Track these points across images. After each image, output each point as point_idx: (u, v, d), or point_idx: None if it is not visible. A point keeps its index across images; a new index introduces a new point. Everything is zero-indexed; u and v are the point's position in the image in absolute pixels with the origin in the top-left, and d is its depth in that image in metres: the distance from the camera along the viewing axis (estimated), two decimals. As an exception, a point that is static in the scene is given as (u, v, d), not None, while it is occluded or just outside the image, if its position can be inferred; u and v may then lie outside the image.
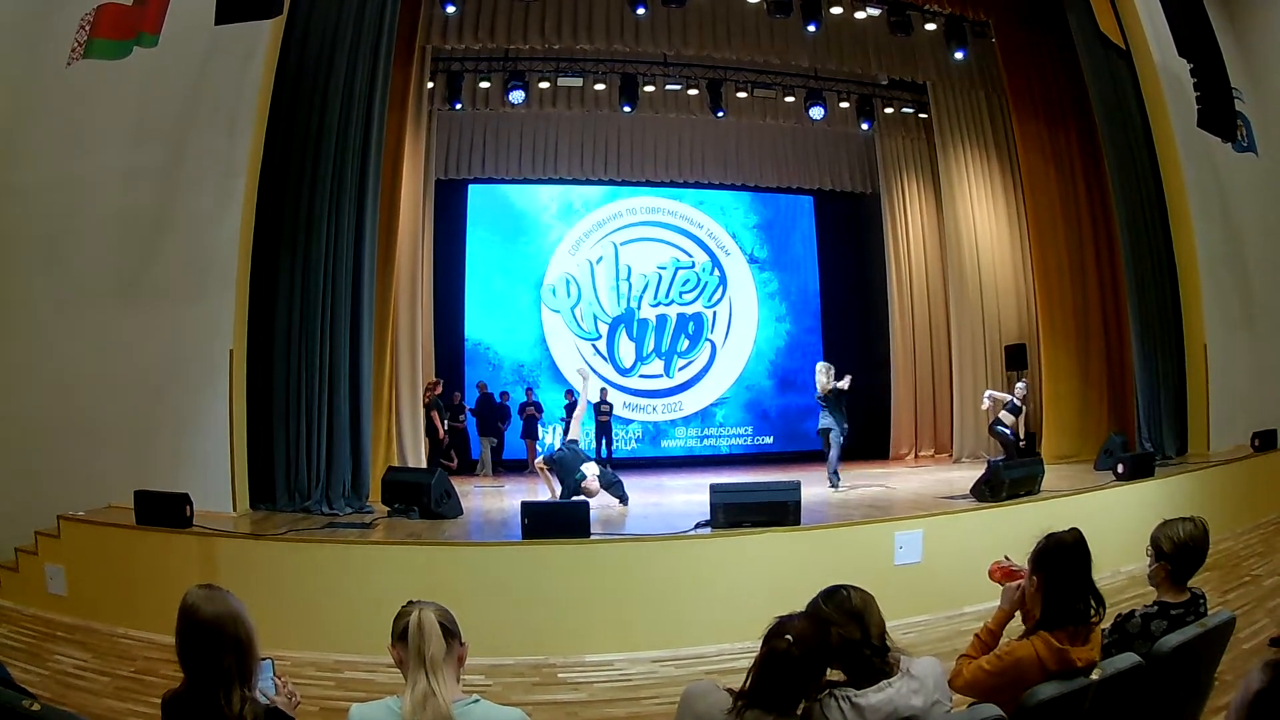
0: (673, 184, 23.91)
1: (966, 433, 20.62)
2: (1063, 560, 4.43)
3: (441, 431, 18.18)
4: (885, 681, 3.87)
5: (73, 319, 11.94)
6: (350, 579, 9.40)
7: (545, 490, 13.98)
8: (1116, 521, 11.38)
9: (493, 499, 15.13)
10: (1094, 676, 4.11)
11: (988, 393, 17.32)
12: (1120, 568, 10.98)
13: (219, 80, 12.13)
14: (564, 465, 13.61)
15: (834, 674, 4.01)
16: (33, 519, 10.69)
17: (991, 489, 11.85)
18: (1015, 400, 16.66)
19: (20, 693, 3.89)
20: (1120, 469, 13.03)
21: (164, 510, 10.13)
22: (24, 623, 9.89)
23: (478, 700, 3.77)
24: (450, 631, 3.81)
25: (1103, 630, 4.77)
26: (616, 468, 19.78)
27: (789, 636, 3.62)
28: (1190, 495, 12.64)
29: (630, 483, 16.02)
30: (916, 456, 21.97)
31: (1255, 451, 15.09)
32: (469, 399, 21.52)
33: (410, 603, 3.87)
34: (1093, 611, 4.37)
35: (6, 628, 9.71)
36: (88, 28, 11.14)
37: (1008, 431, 16.50)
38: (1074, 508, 11.88)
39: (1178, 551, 4.92)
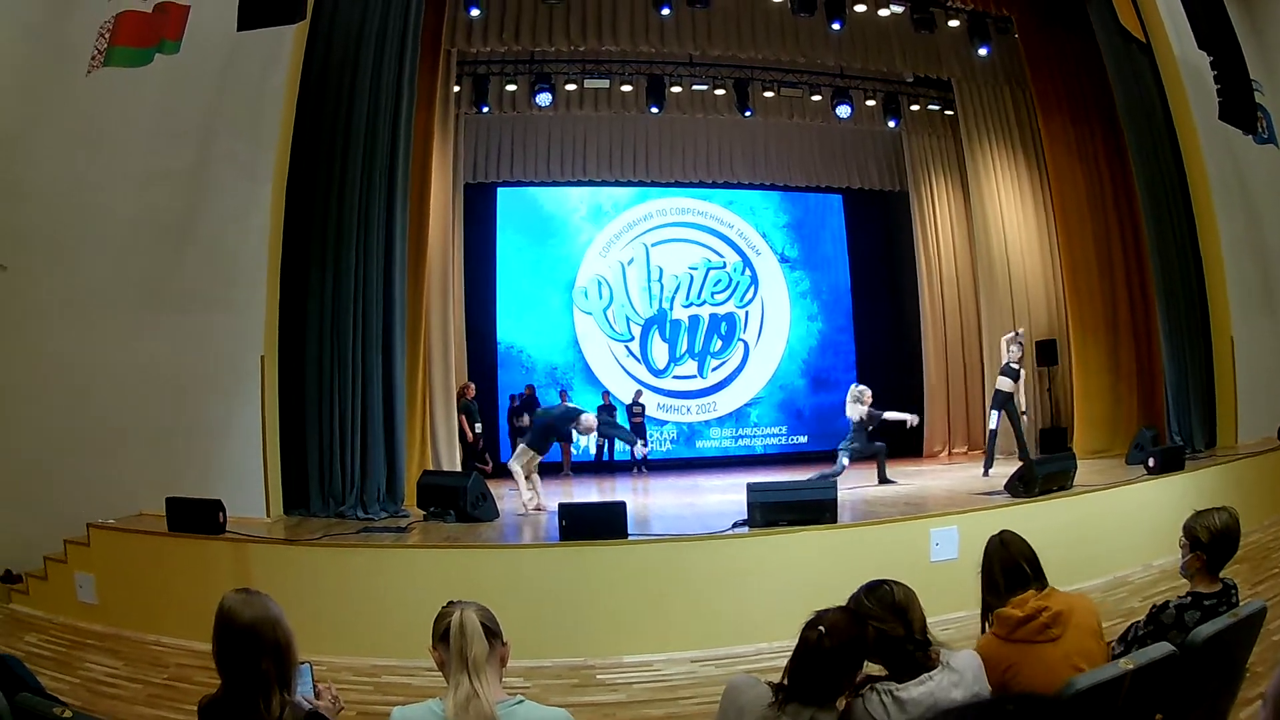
0: (702, 184, 23.83)
1: (1001, 429, 20.49)
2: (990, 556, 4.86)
3: (471, 435, 18.16)
4: (926, 675, 3.93)
5: (97, 325, 11.93)
6: (386, 583, 9.41)
7: (580, 491, 14.01)
8: (1147, 516, 11.54)
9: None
10: (1127, 666, 4.12)
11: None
12: (1151, 562, 11.16)
13: (242, 85, 12.15)
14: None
15: (875, 669, 4.03)
16: (61, 528, 10.71)
17: (1025, 484, 11.80)
18: (1011, 364, 16.40)
19: (51, 700, 3.88)
20: (1151, 463, 12.95)
21: (196, 517, 10.14)
22: (53, 631, 9.91)
23: (521, 701, 3.75)
24: (492, 632, 3.79)
25: (1136, 624, 5.06)
26: (651, 469, 19.88)
27: (821, 628, 3.69)
28: (1219, 488, 12.50)
29: (665, 483, 16.07)
30: (950, 453, 21.86)
31: (1282, 443, 14.95)
32: (503, 403, 21.55)
33: (451, 603, 3.86)
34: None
35: (36, 636, 9.73)
36: (107, 35, 11.15)
37: (995, 417, 16.32)
38: (1106, 502, 11.89)
39: (1214, 540, 4.98)
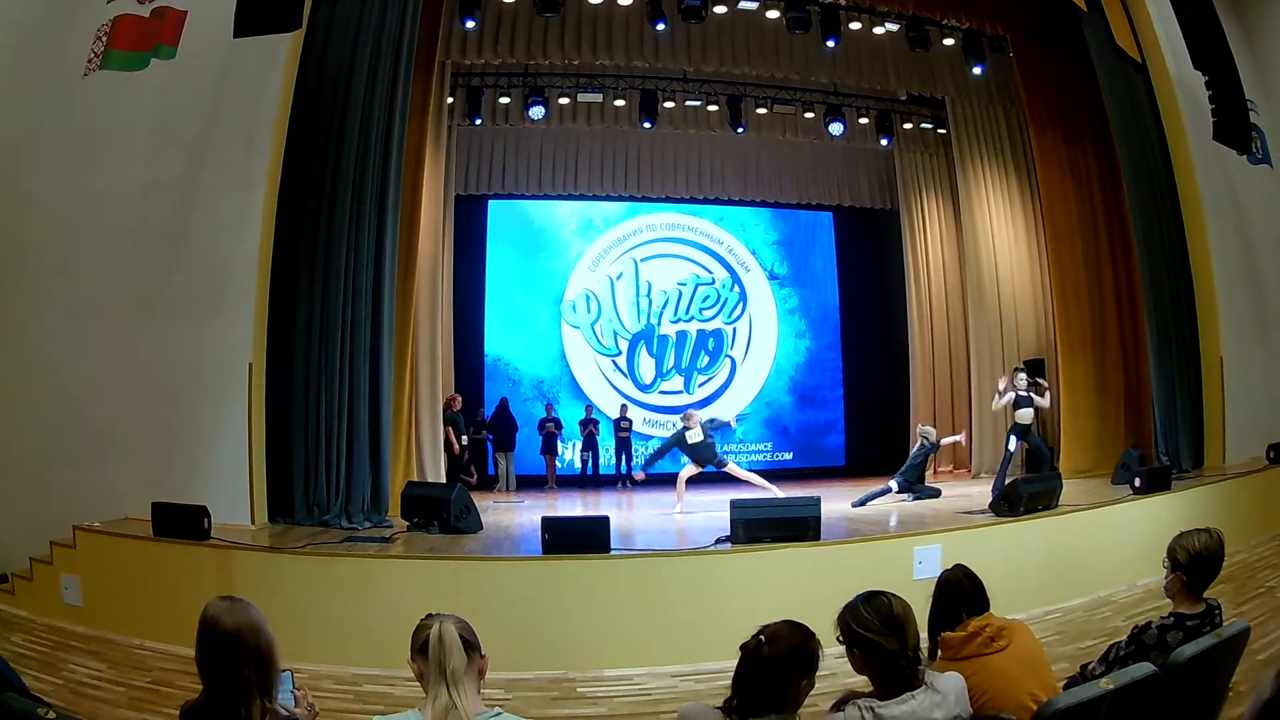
0: (693, 200, 23.87)
1: (985, 448, 20.45)
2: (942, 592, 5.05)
3: (457, 447, 18.16)
4: (909, 693, 3.93)
5: (90, 329, 11.96)
6: (369, 593, 9.40)
7: (564, 504, 14.08)
8: (1133, 535, 11.62)
9: (512, 514, 15.13)
10: (1108, 686, 4.18)
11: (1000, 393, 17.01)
12: (1137, 581, 11.23)
13: (238, 92, 12.17)
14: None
15: (858, 684, 4.07)
16: (48, 529, 10.71)
17: (1010, 504, 11.85)
18: (1021, 393, 16.32)
19: (35, 701, 3.90)
20: (1137, 483, 13.01)
21: (182, 522, 10.14)
22: (38, 632, 9.93)
23: (499, 713, 3.76)
24: (471, 644, 3.81)
25: (1117, 644, 5.13)
26: (636, 484, 19.89)
27: (761, 636, 3.74)
28: (1206, 508, 12.62)
29: (650, 499, 16.06)
30: (935, 472, 21.70)
31: (1271, 463, 14.95)
32: (488, 414, 21.51)
33: (430, 615, 3.88)
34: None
35: (20, 636, 9.75)
36: (104, 38, 11.17)
37: (1014, 443, 16.33)
38: (1091, 522, 11.96)
39: (1193, 562, 5.05)
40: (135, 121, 12.11)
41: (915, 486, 15.94)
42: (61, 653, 9.30)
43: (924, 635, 4.59)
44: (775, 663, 3.67)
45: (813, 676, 3.78)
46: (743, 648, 3.76)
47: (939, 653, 4.76)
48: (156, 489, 10.73)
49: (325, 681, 8.50)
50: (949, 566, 5.12)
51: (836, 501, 14.80)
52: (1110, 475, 15.81)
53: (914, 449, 16.66)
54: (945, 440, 16.98)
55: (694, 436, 15.34)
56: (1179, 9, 13.95)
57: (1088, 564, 11.45)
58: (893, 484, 15.77)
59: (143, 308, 11.98)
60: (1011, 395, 16.28)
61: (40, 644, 9.57)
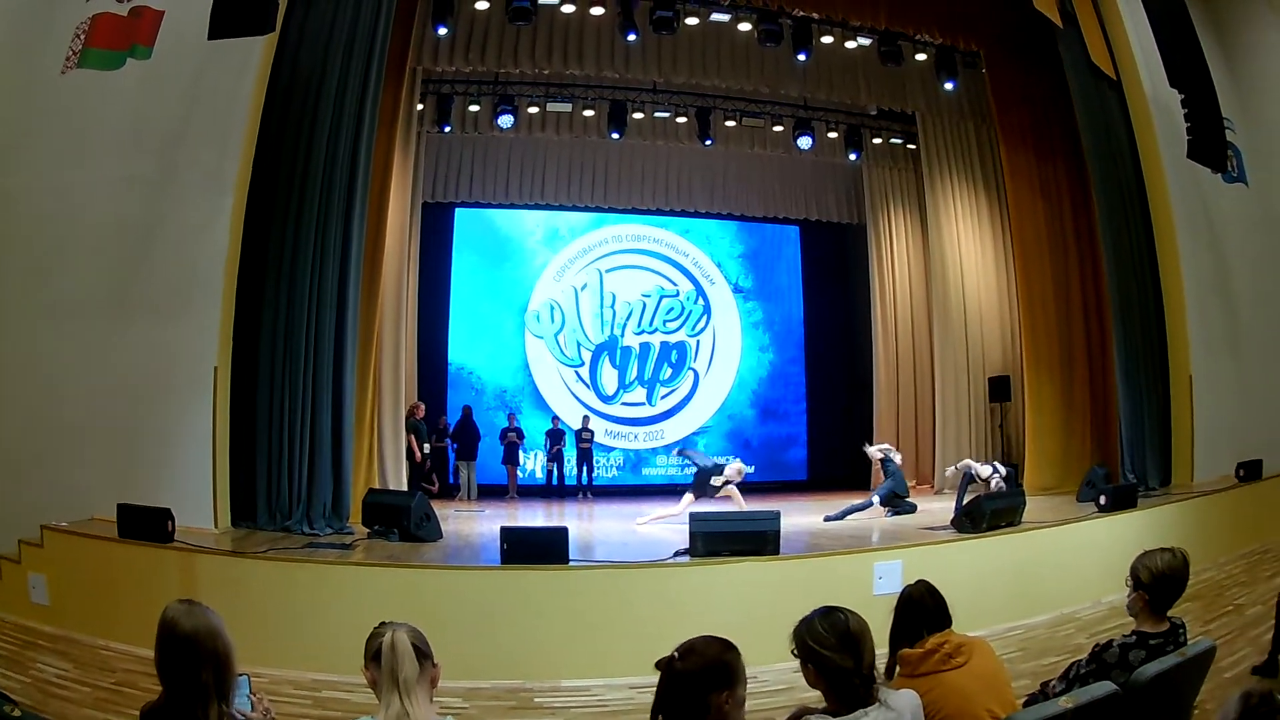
0: (659, 212, 23.86)
1: (948, 464, 20.50)
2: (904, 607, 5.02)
3: (418, 455, 18.11)
4: (862, 711, 3.88)
5: (61, 328, 11.82)
6: (329, 599, 9.40)
7: (525, 515, 14.06)
8: (1098, 553, 11.63)
9: (472, 523, 15.10)
10: (1067, 705, 4.18)
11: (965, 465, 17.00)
12: (1101, 598, 11.21)
13: (212, 94, 12.10)
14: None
15: (812, 699, 4.06)
16: (16, 527, 10.64)
17: (972, 520, 11.86)
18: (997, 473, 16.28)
19: (2, 698, 3.89)
20: (1102, 500, 13.03)
21: (146, 524, 10.10)
22: (6, 630, 9.89)
23: (450, 721, 3.77)
24: (423, 653, 3.85)
25: (1078, 662, 5.12)
26: (597, 495, 19.89)
27: (676, 652, 3.70)
28: (1173, 526, 12.68)
29: (610, 510, 16.07)
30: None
31: (1239, 482, 15.09)
32: (451, 422, 21.46)
33: (383, 624, 3.92)
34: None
35: (-11, 634, 9.70)
36: (82, 36, 11.12)
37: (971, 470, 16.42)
38: (1055, 539, 12.01)
39: (1155, 581, 5.05)
40: (112, 121, 12.00)
41: (895, 501, 15.96)
42: (29, 651, 9.30)
43: (885, 651, 4.60)
44: (690, 677, 3.63)
45: (737, 690, 3.69)
46: (658, 664, 3.73)
47: (897, 669, 4.74)
48: (123, 490, 10.70)
49: (285, 687, 8.50)
50: (912, 582, 5.09)
51: (798, 515, 14.83)
52: (1075, 493, 15.81)
53: (886, 468, 16.68)
54: (879, 449, 17.14)
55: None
56: (1156, 26, 13.93)
57: (1051, 581, 11.47)
58: (874, 498, 15.82)
59: (113, 308, 11.88)
60: (986, 471, 16.23)
61: (8, 642, 9.56)
